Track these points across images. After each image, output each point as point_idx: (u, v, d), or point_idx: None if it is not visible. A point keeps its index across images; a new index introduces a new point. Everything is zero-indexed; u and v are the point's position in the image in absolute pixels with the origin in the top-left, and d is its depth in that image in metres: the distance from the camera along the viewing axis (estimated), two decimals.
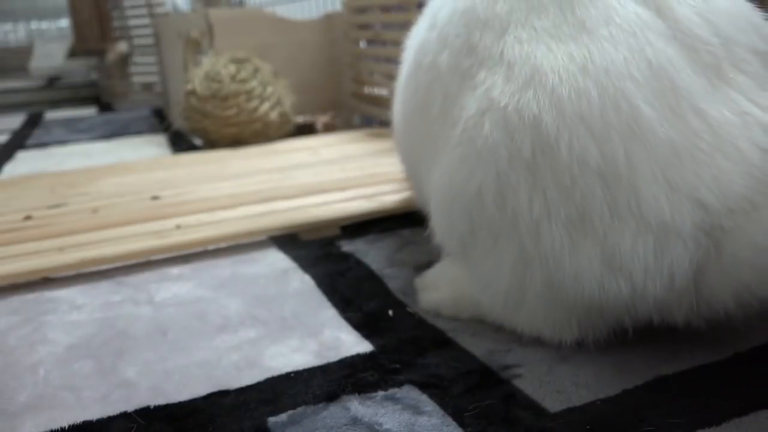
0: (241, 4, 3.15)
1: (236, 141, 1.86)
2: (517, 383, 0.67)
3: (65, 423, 0.66)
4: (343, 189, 1.31)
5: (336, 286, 0.93)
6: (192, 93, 1.88)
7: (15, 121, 2.81)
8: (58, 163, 1.90)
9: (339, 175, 1.42)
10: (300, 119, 1.99)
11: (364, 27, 2.02)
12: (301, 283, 0.95)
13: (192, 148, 1.96)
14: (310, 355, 0.75)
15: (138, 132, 2.35)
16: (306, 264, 1.01)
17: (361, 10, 2.01)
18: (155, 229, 1.14)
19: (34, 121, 2.76)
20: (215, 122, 1.85)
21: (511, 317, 0.75)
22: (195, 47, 2.09)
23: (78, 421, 0.66)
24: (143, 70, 3.06)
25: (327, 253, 1.05)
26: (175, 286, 0.97)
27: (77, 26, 3.42)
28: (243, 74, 1.88)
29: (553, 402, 0.64)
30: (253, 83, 1.87)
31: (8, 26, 5.47)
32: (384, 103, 1.76)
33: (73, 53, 4.08)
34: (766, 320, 0.76)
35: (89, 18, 3.31)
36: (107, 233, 1.14)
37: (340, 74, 2.16)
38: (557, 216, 0.65)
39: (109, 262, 1.04)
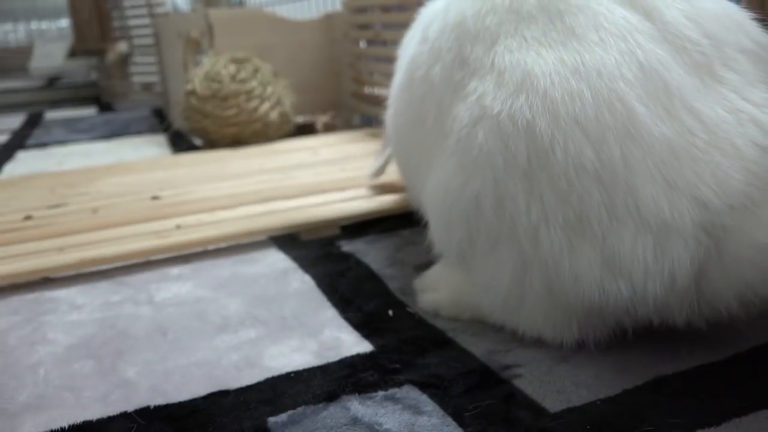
0: (241, 4, 3.15)
1: (236, 141, 1.86)
2: (517, 383, 0.67)
3: (65, 423, 0.66)
4: (343, 189, 1.31)
5: (336, 286, 0.93)
6: (192, 93, 1.88)
7: (15, 121, 2.81)
8: (58, 163, 1.90)
9: (339, 175, 1.42)
10: (300, 119, 1.99)
11: (364, 27, 2.02)
12: (301, 283, 0.95)
13: (192, 148, 1.96)
14: (310, 355, 0.75)
15: (138, 132, 2.35)
16: (306, 264, 1.01)
17: (361, 10, 2.01)
18: (155, 229, 1.14)
19: (34, 121, 2.77)
20: (215, 122, 1.85)
21: (511, 319, 0.75)
22: (195, 47, 2.09)
23: (78, 421, 0.66)
24: (143, 70, 3.06)
25: (327, 253, 1.05)
26: (175, 286, 0.97)
27: (77, 26, 3.42)
28: (243, 74, 1.88)
29: (553, 402, 0.64)
30: (253, 83, 1.87)
31: (8, 26, 5.47)
32: (384, 103, 1.75)
33: (73, 53, 4.08)
34: (766, 320, 0.76)
35: (89, 18, 3.31)
36: (107, 233, 1.14)
37: (340, 74, 2.16)
38: (555, 220, 0.65)
39: (109, 262, 1.04)
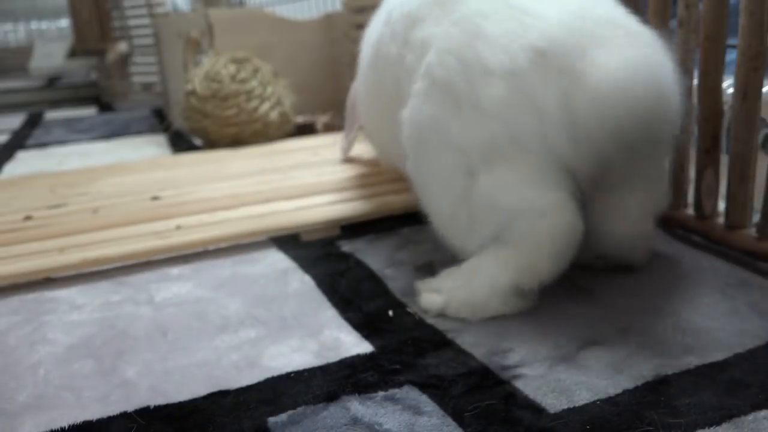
0: (241, 4, 3.15)
1: (236, 141, 1.86)
2: (517, 383, 0.67)
3: (65, 423, 0.66)
4: (343, 189, 1.31)
5: (336, 286, 0.93)
6: (192, 93, 1.88)
7: (15, 121, 2.80)
8: (58, 163, 1.90)
9: (339, 175, 1.42)
10: (300, 119, 1.99)
11: (364, 27, 2.02)
12: (301, 283, 0.95)
13: (192, 148, 1.96)
14: (310, 356, 0.75)
15: (138, 132, 2.35)
16: (306, 264, 1.01)
17: (361, 10, 2.00)
18: (156, 230, 1.14)
19: (34, 121, 2.76)
20: (215, 122, 1.85)
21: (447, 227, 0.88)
22: (195, 47, 2.09)
23: (78, 421, 0.66)
24: (143, 70, 3.06)
25: (327, 253, 1.05)
26: (175, 286, 0.97)
27: (77, 26, 3.42)
28: (243, 74, 1.88)
29: (553, 402, 0.64)
30: (253, 83, 1.87)
31: (8, 26, 5.46)
32: None
33: (73, 53, 4.08)
34: (767, 320, 0.76)
35: (89, 18, 3.30)
36: (108, 233, 1.14)
37: (340, 74, 2.16)
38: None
39: (110, 263, 1.04)
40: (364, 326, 0.81)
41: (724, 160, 0.96)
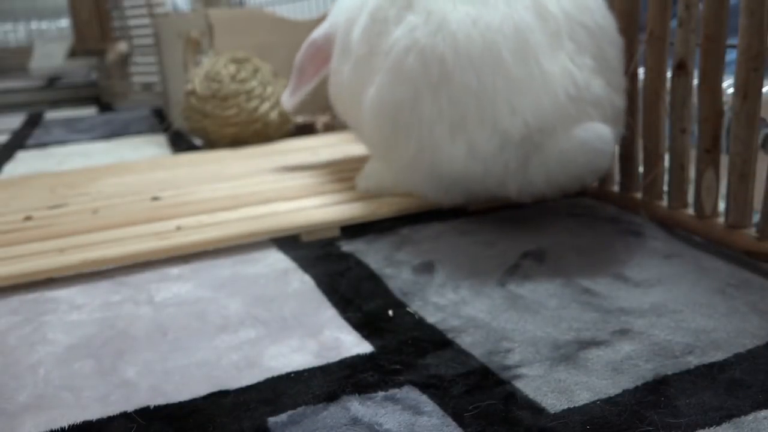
0: (241, 4, 3.15)
1: (236, 141, 1.86)
2: (517, 383, 0.67)
3: (65, 423, 0.66)
4: (343, 190, 1.31)
5: (336, 286, 0.93)
6: (192, 93, 1.88)
7: (15, 121, 2.81)
8: (58, 163, 1.90)
9: (339, 175, 1.42)
10: (300, 119, 1.99)
11: None
12: (301, 283, 0.95)
13: (192, 148, 1.96)
14: (310, 356, 0.75)
15: (138, 132, 2.35)
16: (306, 264, 1.01)
17: None
18: (156, 230, 1.14)
19: (34, 121, 2.76)
20: (215, 122, 1.85)
21: (408, 185, 1.16)
22: (195, 47, 2.09)
23: (78, 421, 0.66)
24: (143, 70, 3.06)
25: (327, 253, 1.05)
26: (175, 286, 0.97)
27: (77, 26, 3.41)
28: (243, 74, 1.88)
29: (553, 402, 0.64)
30: (253, 83, 1.87)
31: (8, 26, 5.46)
32: None
33: (73, 53, 4.08)
34: (767, 320, 0.76)
35: (89, 18, 3.30)
36: (108, 234, 1.14)
37: None
38: (445, 120, 1.00)
39: (111, 263, 1.04)
40: (364, 326, 0.81)
41: (724, 160, 0.96)
